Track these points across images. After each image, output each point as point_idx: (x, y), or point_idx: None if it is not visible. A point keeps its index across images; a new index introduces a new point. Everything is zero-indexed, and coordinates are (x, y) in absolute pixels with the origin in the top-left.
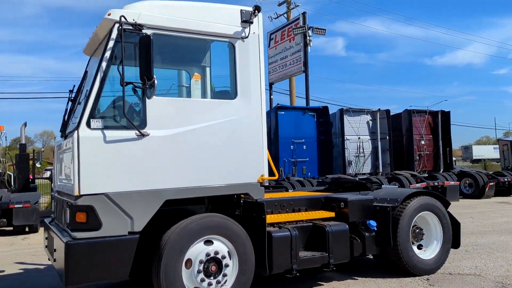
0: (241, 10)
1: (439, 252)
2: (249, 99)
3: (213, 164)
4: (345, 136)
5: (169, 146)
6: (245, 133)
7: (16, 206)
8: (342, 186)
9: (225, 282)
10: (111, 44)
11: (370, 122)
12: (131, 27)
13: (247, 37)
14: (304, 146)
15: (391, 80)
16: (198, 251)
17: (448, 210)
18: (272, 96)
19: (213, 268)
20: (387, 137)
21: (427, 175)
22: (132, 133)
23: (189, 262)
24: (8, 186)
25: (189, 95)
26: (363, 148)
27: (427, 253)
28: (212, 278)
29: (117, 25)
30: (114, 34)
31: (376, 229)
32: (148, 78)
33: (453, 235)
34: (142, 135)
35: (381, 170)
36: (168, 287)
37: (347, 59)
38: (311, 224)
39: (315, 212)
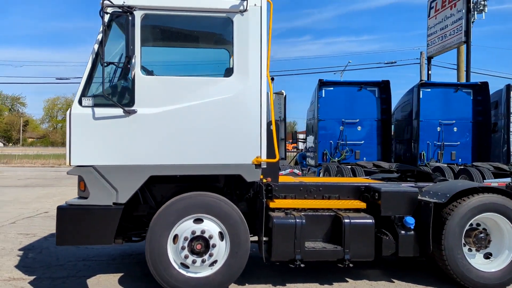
0: None
1: (509, 266)
2: (246, 76)
3: (203, 142)
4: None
5: (157, 124)
6: (241, 112)
7: None
8: (406, 174)
9: (213, 263)
10: (101, 27)
11: None
12: (119, 10)
13: (246, 10)
14: (455, 128)
15: None
16: (185, 228)
17: None
18: (430, 72)
19: (198, 246)
20: None
21: None
22: (120, 111)
23: (176, 238)
24: None
25: (187, 72)
26: None
27: (494, 264)
28: (197, 256)
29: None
30: (105, 17)
31: (413, 227)
32: (129, 57)
33: None
34: (128, 113)
35: None
36: (154, 258)
37: None
38: (327, 213)
39: (344, 201)
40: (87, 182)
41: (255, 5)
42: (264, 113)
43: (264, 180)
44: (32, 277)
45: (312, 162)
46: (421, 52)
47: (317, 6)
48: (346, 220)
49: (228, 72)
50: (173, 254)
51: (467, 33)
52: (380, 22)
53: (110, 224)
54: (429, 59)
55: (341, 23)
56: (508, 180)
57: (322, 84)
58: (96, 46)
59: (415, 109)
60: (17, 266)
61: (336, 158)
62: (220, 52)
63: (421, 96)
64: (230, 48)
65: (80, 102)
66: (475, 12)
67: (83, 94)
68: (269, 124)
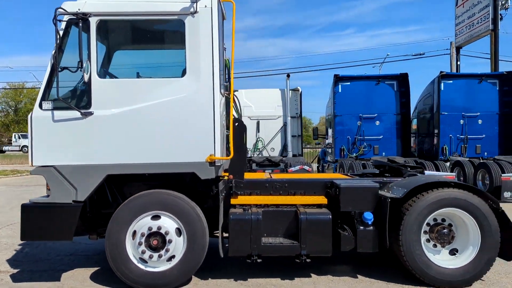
0: None
1: (472, 262)
2: (198, 77)
3: (158, 141)
4: None
5: (113, 125)
6: (193, 112)
7: None
8: (380, 169)
9: (171, 257)
10: (55, 34)
11: None
12: (74, 17)
13: (196, 12)
14: (480, 121)
15: None
16: (142, 224)
17: (503, 210)
18: (459, 62)
19: (155, 242)
20: None
21: None
22: (77, 113)
23: (135, 234)
24: None
25: (149, 74)
26: None
27: (458, 260)
28: (154, 251)
29: (62, 16)
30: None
31: (370, 223)
32: (81, 62)
33: (504, 244)
34: (85, 115)
35: None
36: (112, 254)
37: None
38: (287, 209)
39: (307, 197)
40: (48, 181)
41: (205, 6)
42: (218, 112)
43: (226, 177)
44: (16, 270)
45: (330, 158)
46: (450, 42)
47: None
48: (303, 216)
49: (183, 73)
50: (132, 250)
51: (495, 20)
52: (427, 12)
53: (70, 221)
54: (457, 49)
55: (385, 15)
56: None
57: (338, 79)
58: (53, 52)
59: (435, 101)
60: (9, 260)
61: (354, 154)
62: (179, 53)
63: (442, 88)
64: (184, 49)
65: (40, 106)
66: None
67: (43, 98)
68: (234, 121)
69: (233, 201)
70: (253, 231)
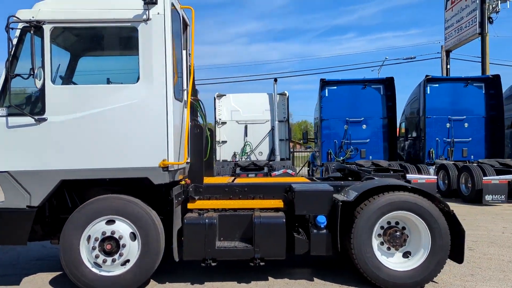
0: None
1: (422, 265)
2: (151, 83)
3: (112, 147)
4: None
5: (67, 130)
6: (146, 117)
7: None
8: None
9: (126, 262)
10: (8, 41)
11: None
12: (27, 25)
13: (149, 19)
14: (466, 124)
15: None
16: (97, 229)
17: (454, 213)
18: (449, 66)
19: (108, 246)
20: None
21: None
22: (31, 119)
23: (89, 238)
24: None
25: (107, 80)
26: None
27: (410, 262)
28: (108, 255)
29: (16, 24)
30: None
31: (323, 226)
32: (33, 69)
33: (454, 246)
34: (39, 121)
35: None
36: (66, 258)
37: None
38: (243, 213)
39: (264, 201)
40: (2, 186)
41: (158, 13)
42: (171, 117)
43: (183, 182)
44: None
45: (318, 162)
46: (441, 46)
47: (360, 3)
48: (256, 219)
49: (137, 79)
50: (87, 254)
51: (482, 24)
52: (427, 15)
53: (24, 226)
54: (447, 52)
55: (386, 18)
56: (510, 177)
57: (324, 83)
58: (6, 59)
59: (421, 105)
60: None
61: (341, 158)
62: (135, 59)
63: (428, 92)
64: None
65: None
66: (499, 1)
67: None
68: (194, 127)
69: (190, 205)
70: (207, 235)
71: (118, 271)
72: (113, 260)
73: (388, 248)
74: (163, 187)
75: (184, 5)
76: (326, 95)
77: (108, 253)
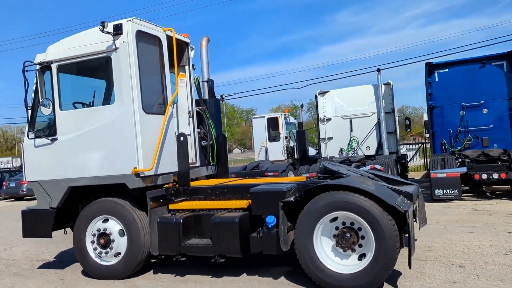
0: (102, 28)
1: (365, 269)
2: (122, 103)
3: (99, 158)
4: None
5: (69, 147)
6: (120, 132)
7: None
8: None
9: (117, 254)
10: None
11: None
12: (39, 66)
13: (117, 48)
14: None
15: None
16: (96, 226)
17: (405, 213)
18: None
19: (102, 241)
20: None
21: None
22: (48, 140)
23: (91, 234)
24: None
25: (100, 103)
26: None
27: (357, 265)
28: (103, 248)
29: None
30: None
31: (270, 226)
32: (51, 100)
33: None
34: (52, 141)
35: None
36: (77, 250)
37: None
38: (204, 213)
39: (232, 201)
40: (34, 192)
41: (123, 42)
42: (139, 131)
43: (166, 186)
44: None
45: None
46: None
47: None
48: (213, 219)
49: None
50: (90, 247)
51: None
52: None
53: (48, 222)
54: None
55: None
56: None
57: (433, 67)
58: (32, 94)
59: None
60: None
61: (458, 148)
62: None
63: (436, 79)
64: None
65: (28, 136)
66: None
67: (29, 130)
68: (178, 136)
69: (170, 206)
70: (175, 233)
71: (113, 261)
72: (106, 253)
73: (344, 250)
74: (138, 190)
75: (167, 28)
76: (436, 79)
77: (103, 246)
